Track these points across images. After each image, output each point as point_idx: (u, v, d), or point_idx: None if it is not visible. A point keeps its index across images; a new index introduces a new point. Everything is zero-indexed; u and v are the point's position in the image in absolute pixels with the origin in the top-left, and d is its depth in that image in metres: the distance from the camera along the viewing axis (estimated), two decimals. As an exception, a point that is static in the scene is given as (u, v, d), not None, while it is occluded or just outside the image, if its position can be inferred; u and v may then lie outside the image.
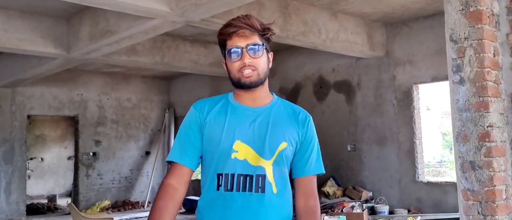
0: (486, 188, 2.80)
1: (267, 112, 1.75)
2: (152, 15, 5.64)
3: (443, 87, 11.75)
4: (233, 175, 1.69)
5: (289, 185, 1.78)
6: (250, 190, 1.67)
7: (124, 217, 9.88)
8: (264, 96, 1.78)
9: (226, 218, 1.68)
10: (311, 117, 1.84)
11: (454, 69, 3.01)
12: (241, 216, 1.66)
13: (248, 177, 1.68)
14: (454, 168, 12.73)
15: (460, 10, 2.98)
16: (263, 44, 1.73)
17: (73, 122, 14.59)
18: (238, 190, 1.68)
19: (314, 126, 1.84)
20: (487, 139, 2.83)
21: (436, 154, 16.38)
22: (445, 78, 7.66)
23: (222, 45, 1.76)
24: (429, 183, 8.00)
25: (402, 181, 8.24)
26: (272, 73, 8.25)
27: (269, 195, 1.67)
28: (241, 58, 1.69)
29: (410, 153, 8.14)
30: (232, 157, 1.69)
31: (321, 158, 1.83)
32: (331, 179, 9.06)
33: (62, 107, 11.28)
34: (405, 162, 8.20)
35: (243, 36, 1.68)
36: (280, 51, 10.23)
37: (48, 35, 7.22)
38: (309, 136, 1.78)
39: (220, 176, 1.70)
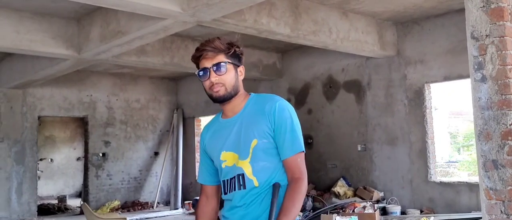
0: (509, 187, 2.76)
1: (241, 117, 1.99)
2: (164, 16, 5.63)
3: (451, 86, 11.70)
4: (224, 181, 2.01)
5: (278, 173, 1.95)
6: (234, 189, 1.96)
7: (134, 217, 9.89)
8: (239, 104, 2.01)
9: (227, 217, 2.00)
10: (279, 102, 1.95)
11: (476, 66, 2.97)
12: (235, 211, 1.94)
13: (232, 179, 1.97)
14: (463, 168, 12.64)
15: (481, 7, 2.94)
16: (228, 62, 1.96)
17: (82, 123, 14.64)
18: (230, 191, 1.98)
19: (283, 109, 1.94)
20: (510, 137, 2.79)
21: (444, 154, 16.30)
22: (458, 77, 7.64)
23: (197, 68, 2.03)
24: (442, 183, 7.93)
25: (414, 181, 8.18)
26: (280, 74, 8.25)
27: (251, 189, 1.91)
28: (209, 77, 1.95)
29: (422, 153, 8.08)
30: (223, 166, 2.01)
31: (297, 137, 1.94)
32: (341, 179, 9.02)
33: (72, 108, 11.31)
34: (417, 162, 8.13)
35: (208, 58, 1.96)
36: (289, 51, 10.21)
37: (59, 36, 7.24)
38: (277, 122, 1.91)
39: (222, 183, 2.04)
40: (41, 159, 14.40)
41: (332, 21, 7.25)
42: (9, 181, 10.27)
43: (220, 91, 1.95)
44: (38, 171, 13.44)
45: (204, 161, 2.14)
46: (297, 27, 6.74)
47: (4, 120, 10.30)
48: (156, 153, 12.62)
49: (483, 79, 2.91)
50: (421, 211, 7.85)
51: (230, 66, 1.98)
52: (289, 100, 10.24)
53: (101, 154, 11.62)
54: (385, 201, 8.38)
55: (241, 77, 2.04)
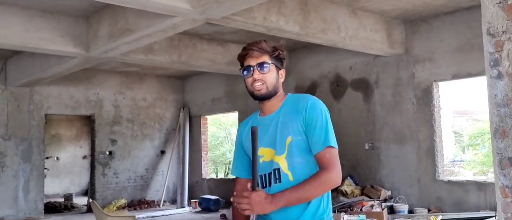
0: (526, 185, 2.73)
1: (278, 115, 2.11)
2: (173, 13, 5.63)
3: (456, 85, 11.60)
4: (261, 175, 2.12)
5: (313, 169, 2.03)
6: (272, 183, 2.06)
7: (141, 215, 9.90)
8: (277, 103, 2.14)
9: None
10: (311, 100, 2.07)
11: (492, 63, 2.95)
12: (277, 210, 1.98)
13: (269, 174, 2.09)
14: (469, 167, 12.56)
15: (497, 3, 2.91)
16: (271, 63, 2.09)
17: (88, 122, 14.68)
18: (266, 186, 2.09)
19: (315, 106, 2.05)
20: (526, 135, 2.76)
21: (449, 154, 16.24)
22: (466, 75, 7.60)
23: (241, 66, 2.15)
24: (450, 182, 7.90)
25: (422, 180, 8.15)
26: (288, 72, 8.19)
27: (285, 184, 2.01)
28: (252, 74, 2.08)
29: (429, 152, 8.04)
30: (260, 161, 2.10)
31: (327, 133, 2.02)
32: (348, 177, 9.00)
33: (79, 106, 11.33)
34: (425, 161, 8.10)
35: (254, 57, 2.09)
36: (297, 50, 10.19)
37: (68, 34, 7.25)
38: (308, 119, 2.02)
39: (259, 179, 2.11)
40: (47, 158, 14.42)
41: (341, 19, 7.23)
42: (16, 179, 10.30)
43: (262, 89, 2.08)
44: (44, 170, 13.51)
45: (240, 155, 2.26)
46: (306, 25, 6.73)
47: (11, 119, 10.33)
48: (163, 152, 12.63)
49: (499, 76, 2.89)
50: (429, 210, 7.82)
51: (273, 67, 2.11)
52: (296, 99, 10.23)
53: (107, 153, 11.64)
54: (392, 200, 8.35)
55: (282, 79, 2.17)
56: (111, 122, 11.78)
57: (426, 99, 8.10)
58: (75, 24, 7.32)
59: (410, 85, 8.31)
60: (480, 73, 7.43)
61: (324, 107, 2.07)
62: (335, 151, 2.00)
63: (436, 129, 8.00)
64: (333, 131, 2.04)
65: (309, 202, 1.99)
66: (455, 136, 18.39)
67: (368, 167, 8.95)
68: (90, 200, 6.55)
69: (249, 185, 1.93)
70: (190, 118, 12.85)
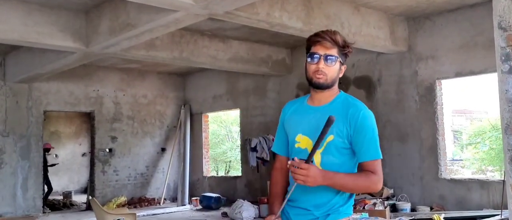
0: (539, 182, 2.66)
1: (326, 109, 2.13)
2: (175, 8, 5.55)
3: (456, 84, 11.51)
4: (293, 159, 2.11)
5: (343, 170, 2.11)
6: None
7: (142, 213, 9.83)
8: (328, 97, 2.17)
9: (295, 192, 2.11)
10: (363, 111, 2.10)
11: (503, 58, 2.87)
12: (298, 189, 2.07)
13: (303, 160, 2.06)
14: (471, 166, 12.48)
15: (510, -4, 2.84)
16: (338, 57, 2.13)
17: (87, 119, 14.61)
18: None
19: (367, 118, 2.09)
20: (539, 131, 2.68)
21: (448, 152, 16.17)
22: (470, 73, 7.54)
23: (307, 49, 2.18)
24: (452, 180, 7.84)
25: (424, 178, 8.08)
26: (290, 69, 8.20)
27: None
28: (317, 62, 2.11)
29: (432, 150, 7.98)
30: (296, 146, 2.18)
31: (377, 145, 2.09)
32: (350, 176, 8.92)
33: (78, 103, 11.25)
34: (428, 159, 8.04)
35: (324, 46, 2.11)
36: (299, 47, 10.11)
37: (67, 29, 7.17)
38: (359, 128, 2.06)
39: (293, 160, 2.13)
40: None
41: (344, 16, 7.16)
42: (14, 176, 10.22)
43: (321, 79, 2.11)
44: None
45: (281, 133, 2.32)
46: (310, 21, 6.65)
47: (9, 115, 10.25)
48: (163, 149, 12.56)
49: (511, 70, 2.82)
50: (431, 209, 7.76)
51: (338, 62, 2.14)
52: (297, 96, 10.15)
53: (107, 150, 11.56)
54: (395, 198, 8.29)
55: (341, 75, 2.20)
56: (111, 119, 11.70)
57: (429, 97, 8.03)
58: (75, 19, 7.23)
59: (413, 82, 8.24)
60: (484, 71, 7.38)
61: (374, 119, 2.13)
62: (380, 162, 2.11)
63: (439, 127, 7.94)
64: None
65: (338, 192, 2.09)
66: (455, 135, 18.33)
67: (370, 165, 8.87)
68: (90, 197, 6.47)
69: (290, 161, 2.03)
70: (191, 115, 12.77)
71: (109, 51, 7.64)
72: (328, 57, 2.10)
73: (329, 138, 2.08)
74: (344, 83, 9.32)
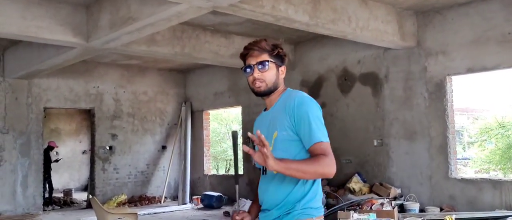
0: None
1: (272, 110, 2.21)
2: (178, 0, 5.33)
3: (459, 82, 11.25)
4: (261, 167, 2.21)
5: None
6: (262, 173, 2.23)
7: (142, 212, 9.63)
8: (275, 99, 2.22)
9: (259, 196, 2.26)
10: (298, 98, 2.11)
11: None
12: (261, 193, 2.22)
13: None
14: (474, 165, 12.26)
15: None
16: (270, 61, 2.17)
17: (87, 116, 14.41)
18: (261, 174, 2.24)
19: (302, 103, 2.08)
20: None
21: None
22: (482, 69, 7.31)
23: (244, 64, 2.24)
24: (463, 180, 7.62)
25: (433, 177, 7.86)
26: (293, 66, 7.94)
27: (271, 175, 2.14)
28: (252, 73, 2.17)
29: (442, 149, 7.76)
30: None
31: (318, 127, 2.05)
32: (356, 175, 8.71)
33: (78, 99, 11.05)
34: (437, 158, 7.81)
35: (253, 56, 2.18)
36: (302, 43, 9.90)
37: (67, 23, 6.95)
38: (297, 117, 2.07)
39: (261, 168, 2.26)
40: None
41: (352, 9, 6.94)
42: (14, 174, 10.03)
43: (262, 86, 2.17)
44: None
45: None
46: (316, 15, 6.43)
47: (9, 111, 10.04)
48: (164, 147, 12.35)
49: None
50: (441, 209, 7.54)
51: (272, 65, 2.18)
52: (302, 93, 9.94)
53: (108, 147, 11.35)
54: (402, 198, 8.07)
55: (282, 76, 2.25)
56: (111, 116, 11.49)
57: (438, 93, 7.81)
58: (75, 13, 7.01)
59: (421, 79, 8.01)
60: (496, 66, 7.16)
61: (312, 103, 2.11)
62: (328, 145, 2.05)
63: (449, 125, 7.71)
64: (323, 126, 2.08)
65: (294, 187, 2.08)
66: (457, 134, 18.09)
67: (376, 164, 8.67)
68: (90, 196, 6.26)
69: (258, 132, 1.93)
70: (192, 112, 12.57)
71: (109, 46, 7.42)
72: (259, 64, 2.15)
73: (274, 135, 2.12)
74: (349, 80, 9.11)
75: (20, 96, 10.20)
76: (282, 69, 2.24)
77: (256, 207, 2.31)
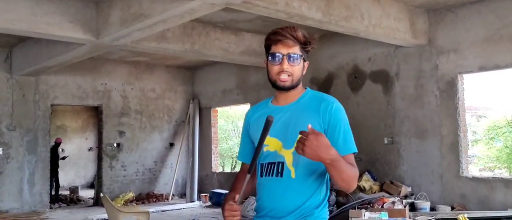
0: None
1: (294, 107, 2.04)
2: (191, -4, 5.28)
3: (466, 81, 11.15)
4: (262, 164, 2.05)
5: (316, 170, 1.97)
6: (271, 175, 2.00)
7: (150, 209, 9.58)
8: (295, 95, 2.06)
9: (262, 198, 2.05)
10: (335, 103, 1.99)
11: None
12: (269, 197, 2.00)
13: (271, 165, 2.01)
14: (476, 164, 12.18)
15: None
16: (301, 55, 2.01)
17: (94, 113, 14.40)
18: (266, 175, 2.02)
19: (340, 110, 1.99)
20: None
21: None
22: (494, 67, 7.24)
23: (267, 48, 2.05)
24: (475, 179, 7.55)
25: (445, 176, 7.80)
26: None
27: (287, 179, 1.96)
28: (280, 63, 1.98)
29: (453, 147, 7.69)
30: (265, 150, 2.03)
31: (351, 139, 1.98)
32: (366, 173, 8.66)
33: (86, 96, 11.02)
34: (448, 156, 7.75)
35: (286, 45, 1.97)
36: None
37: (77, 20, 6.91)
38: (332, 122, 1.95)
39: (260, 166, 2.08)
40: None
41: (364, 7, 6.87)
42: (21, 171, 10.01)
43: (287, 81, 2.00)
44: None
45: (246, 141, 2.21)
46: (329, 12, 6.37)
47: (16, 108, 10.02)
48: (172, 144, 12.32)
49: None
50: (452, 208, 7.48)
51: (301, 59, 2.03)
52: (311, 91, 9.88)
53: (115, 145, 11.33)
54: (413, 196, 8.02)
55: (304, 72, 2.09)
56: (119, 113, 11.46)
57: (450, 92, 7.74)
58: (85, 9, 6.97)
59: (433, 77, 7.95)
60: (510, 64, 7.09)
61: (344, 112, 2.03)
62: (354, 157, 1.98)
63: (460, 124, 7.64)
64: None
65: (313, 194, 1.96)
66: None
67: (387, 162, 8.61)
68: (101, 194, 6.23)
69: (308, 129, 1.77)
70: (200, 110, 12.53)
71: (119, 43, 7.38)
72: (291, 56, 1.98)
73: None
74: (359, 78, 9.05)
75: (27, 93, 10.18)
76: (306, 64, 2.09)
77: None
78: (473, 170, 13.86)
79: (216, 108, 12.54)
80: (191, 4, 5.51)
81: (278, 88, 2.03)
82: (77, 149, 15.75)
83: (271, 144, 2.01)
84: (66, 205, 11.27)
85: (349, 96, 9.19)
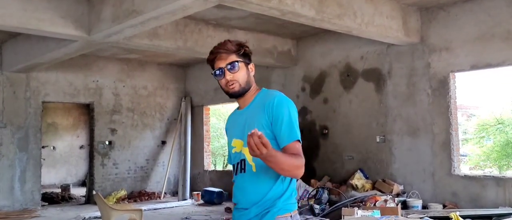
0: None
1: (249, 109, 2.24)
2: (184, -7, 5.25)
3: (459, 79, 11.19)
4: (233, 165, 2.30)
5: None
6: (239, 172, 2.23)
7: (142, 208, 9.53)
8: (249, 98, 2.26)
9: (235, 193, 2.29)
10: (277, 98, 2.15)
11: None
12: (238, 192, 2.23)
13: (238, 163, 2.24)
14: (466, 162, 12.22)
15: None
16: (239, 61, 2.20)
17: (85, 110, 14.30)
18: (236, 173, 2.27)
19: (281, 103, 2.13)
20: None
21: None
22: (486, 66, 7.29)
23: (212, 68, 2.27)
24: (466, 177, 7.60)
25: (436, 174, 7.84)
26: (295, 61, 7.89)
27: (249, 174, 2.17)
28: (224, 76, 2.20)
29: (445, 145, 7.73)
30: (233, 152, 2.28)
31: (293, 128, 2.12)
32: (359, 171, 8.69)
33: (77, 94, 10.93)
34: (440, 155, 7.79)
35: (222, 59, 2.20)
36: (305, 38, 9.84)
37: (69, 16, 6.84)
38: (275, 115, 2.12)
39: (232, 167, 2.33)
40: (43, 147, 14.02)
41: (357, 5, 6.88)
42: (12, 169, 9.91)
43: (235, 87, 2.20)
44: (41, 160, 13.13)
45: (229, 147, 2.38)
46: (322, 10, 6.36)
47: (6, 105, 9.92)
48: (164, 142, 12.27)
49: None
50: (444, 206, 7.52)
51: (242, 65, 2.21)
52: (303, 89, 9.89)
53: (107, 142, 11.25)
54: (405, 194, 8.05)
55: (252, 73, 2.27)
56: (110, 111, 11.39)
57: (442, 90, 7.77)
58: (77, 5, 6.90)
59: (425, 75, 7.98)
60: (501, 63, 7.13)
61: (290, 103, 2.16)
62: (300, 145, 2.11)
63: (452, 122, 7.68)
64: (298, 126, 2.14)
65: (273, 186, 2.12)
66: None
67: (379, 160, 8.64)
68: (94, 192, 6.19)
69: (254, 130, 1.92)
70: (192, 108, 12.49)
71: (111, 40, 7.32)
72: (229, 65, 2.18)
73: None
74: (352, 76, 9.07)
75: (18, 90, 10.08)
76: (251, 67, 2.27)
77: None
78: (463, 169, 13.96)
79: (208, 106, 12.51)
80: (183, 0, 5.48)
81: (232, 96, 2.25)
82: (69, 147, 15.63)
83: (236, 145, 2.25)
84: (54, 203, 11.14)
85: (341, 95, 9.20)
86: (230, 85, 2.19)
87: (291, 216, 2.13)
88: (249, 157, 2.16)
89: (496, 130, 13.63)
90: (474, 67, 7.42)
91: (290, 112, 2.12)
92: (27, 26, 6.61)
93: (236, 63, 2.18)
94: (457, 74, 7.77)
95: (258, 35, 9.34)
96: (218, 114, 17.76)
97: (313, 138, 9.62)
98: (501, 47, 7.05)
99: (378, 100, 8.66)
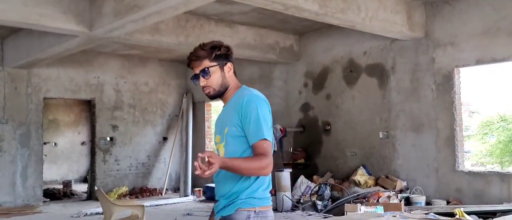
0: None
1: (227, 107, 2.32)
2: (187, -13, 5.18)
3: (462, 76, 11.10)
4: None
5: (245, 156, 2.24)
6: None
7: (144, 204, 9.49)
8: (229, 96, 2.32)
9: (215, 187, 2.37)
10: (247, 97, 2.20)
11: None
12: (216, 185, 2.32)
13: None
14: (470, 159, 12.15)
15: None
16: (212, 65, 2.25)
17: (86, 107, 14.26)
18: None
19: (250, 102, 2.18)
20: None
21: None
22: (491, 60, 7.22)
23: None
24: (471, 173, 7.54)
25: (440, 170, 7.79)
26: (297, 57, 7.81)
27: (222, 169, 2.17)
28: (199, 81, 2.29)
29: (449, 141, 7.67)
30: (216, 147, 2.35)
31: (260, 126, 2.16)
32: (361, 167, 8.63)
33: (79, 90, 10.88)
34: (444, 150, 7.73)
35: (195, 65, 2.28)
36: (307, 33, 9.77)
37: (70, 11, 6.78)
38: (244, 115, 2.18)
39: None
40: (45, 143, 13.99)
41: (361, -1, 6.81)
42: (13, 165, 9.88)
43: (210, 92, 2.30)
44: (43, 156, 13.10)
45: (214, 142, 2.50)
46: (326, 4, 6.30)
47: (8, 101, 9.88)
48: (165, 138, 12.22)
49: None
50: (448, 202, 7.47)
51: (215, 68, 2.27)
52: (306, 85, 9.82)
53: (108, 139, 11.21)
54: (409, 190, 8.00)
55: (230, 72, 2.32)
56: (112, 107, 11.34)
57: (446, 85, 7.71)
58: (78, 0, 6.84)
59: (429, 70, 7.91)
60: (507, 58, 7.07)
61: (260, 102, 2.20)
62: (270, 144, 2.17)
63: (456, 118, 7.62)
64: (268, 126, 2.18)
65: (239, 181, 2.19)
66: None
67: (382, 156, 8.58)
68: (96, 188, 6.14)
69: (200, 155, 2.01)
70: (194, 104, 12.43)
71: (113, 35, 7.26)
72: (201, 72, 2.25)
73: (226, 130, 2.24)
74: (355, 71, 9.00)
75: (19, 85, 10.03)
76: (228, 65, 2.30)
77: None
78: (466, 165, 13.89)
79: (210, 103, 12.45)
80: (186, -6, 5.42)
81: (210, 99, 2.44)
82: (70, 143, 15.60)
83: (217, 141, 2.33)
84: (56, 199, 11.12)
85: (344, 90, 9.14)
86: (205, 90, 2.30)
87: (255, 211, 2.18)
88: (222, 153, 2.27)
89: (499, 127, 13.57)
90: (479, 62, 7.35)
91: (258, 111, 2.17)
92: (28, 21, 6.56)
93: (207, 69, 2.24)
94: (462, 69, 7.70)
95: (260, 30, 9.27)
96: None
97: (315, 134, 9.57)
98: (507, 42, 6.98)
99: (381, 96, 8.60)
